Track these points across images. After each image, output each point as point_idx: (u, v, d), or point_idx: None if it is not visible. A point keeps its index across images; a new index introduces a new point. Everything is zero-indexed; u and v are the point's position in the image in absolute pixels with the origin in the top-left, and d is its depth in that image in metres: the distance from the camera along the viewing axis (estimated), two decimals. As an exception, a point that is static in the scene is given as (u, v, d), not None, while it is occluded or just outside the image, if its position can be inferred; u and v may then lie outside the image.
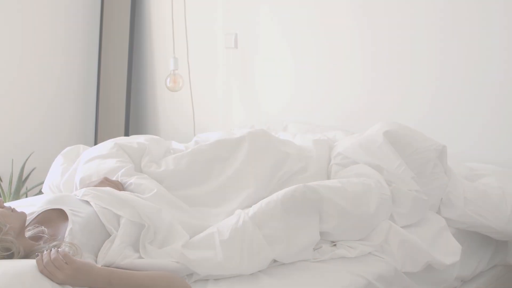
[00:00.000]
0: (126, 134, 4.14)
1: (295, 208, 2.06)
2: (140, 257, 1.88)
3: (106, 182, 2.26)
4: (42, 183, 2.99)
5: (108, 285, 1.71)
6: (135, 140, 2.58)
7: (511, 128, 2.83)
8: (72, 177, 2.49)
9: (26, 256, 1.83)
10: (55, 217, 1.96)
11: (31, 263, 1.71)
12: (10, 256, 1.79)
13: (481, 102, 2.89)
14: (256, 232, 1.97)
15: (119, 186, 2.27)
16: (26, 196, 3.80)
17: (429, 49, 3.01)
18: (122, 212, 1.93)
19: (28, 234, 1.91)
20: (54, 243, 1.82)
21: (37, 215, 1.99)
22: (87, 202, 2.00)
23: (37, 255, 1.73)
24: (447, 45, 2.95)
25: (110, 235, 1.91)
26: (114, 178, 2.32)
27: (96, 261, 1.84)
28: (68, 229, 1.87)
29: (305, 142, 2.68)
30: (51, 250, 1.70)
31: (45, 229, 1.91)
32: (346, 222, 2.14)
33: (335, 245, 2.17)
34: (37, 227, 1.93)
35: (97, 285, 1.70)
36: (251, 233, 1.97)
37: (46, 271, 1.67)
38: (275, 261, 2.03)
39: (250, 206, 2.19)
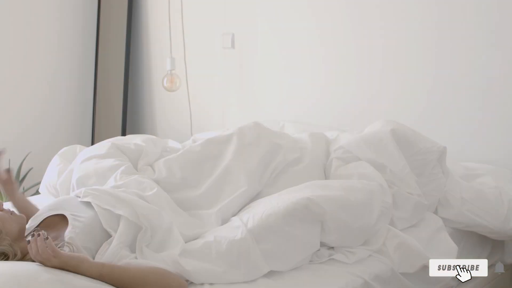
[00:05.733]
0: (123, 134, 4.14)
1: (296, 221, 2.02)
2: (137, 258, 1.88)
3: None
4: (39, 183, 2.99)
5: (99, 277, 1.74)
6: (132, 141, 2.57)
7: (507, 127, 2.83)
8: (68, 177, 2.48)
9: (23, 258, 1.86)
10: (57, 221, 1.97)
11: (28, 264, 1.73)
12: (6, 259, 1.82)
13: (477, 101, 2.89)
14: (254, 247, 1.94)
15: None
16: (23, 196, 3.79)
17: (425, 49, 3.01)
18: (122, 211, 1.93)
19: (29, 239, 1.91)
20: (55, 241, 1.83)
21: (40, 222, 2.00)
22: (88, 204, 2.00)
23: (28, 242, 1.75)
24: (443, 44, 2.95)
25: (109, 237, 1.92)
26: (113, 176, 2.31)
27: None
28: (67, 231, 1.88)
29: (301, 136, 2.67)
30: (37, 237, 1.72)
31: (45, 232, 1.91)
32: (347, 234, 2.12)
33: (332, 247, 2.16)
34: (38, 231, 1.93)
35: (87, 276, 1.73)
36: (248, 247, 1.94)
37: (36, 260, 1.72)
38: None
39: (244, 204, 2.18)
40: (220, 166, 2.37)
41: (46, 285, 1.62)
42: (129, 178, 2.27)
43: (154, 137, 2.67)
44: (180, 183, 2.34)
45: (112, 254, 1.84)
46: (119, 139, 2.62)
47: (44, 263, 1.71)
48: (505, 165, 2.80)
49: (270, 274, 1.97)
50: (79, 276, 1.71)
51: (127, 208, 1.95)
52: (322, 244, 2.12)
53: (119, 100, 4.14)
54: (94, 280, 1.73)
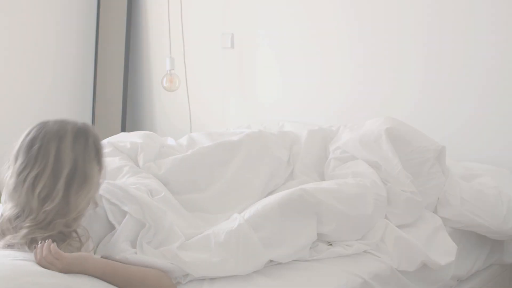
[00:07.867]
0: (123, 134, 4.14)
1: (292, 211, 2.06)
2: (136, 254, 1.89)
3: None
4: (38, 182, 2.98)
5: (102, 275, 1.77)
6: (128, 139, 2.56)
7: (507, 126, 2.83)
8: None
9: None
10: None
11: (29, 265, 1.72)
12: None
13: (476, 100, 2.89)
14: (251, 235, 1.97)
15: None
16: (22, 196, 3.79)
17: (422, 46, 3.01)
18: (128, 208, 1.93)
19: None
20: None
21: None
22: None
23: (34, 247, 1.76)
24: (440, 41, 2.95)
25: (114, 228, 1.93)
26: (120, 176, 2.31)
27: (95, 250, 1.88)
28: None
29: (299, 136, 2.70)
30: (43, 245, 1.73)
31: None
32: (345, 224, 2.14)
33: (331, 244, 2.17)
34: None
35: (92, 274, 1.76)
36: (246, 235, 1.96)
37: (41, 265, 1.73)
38: (271, 260, 2.03)
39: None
40: (229, 173, 2.40)
41: None
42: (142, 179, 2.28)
43: (150, 132, 2.66)
44: (186, 183, 2.35)
45: (114, 246, 1.86)
46: (114, 138, 2.61)
47: (49, 268, 1.72)
48: (504, 165, 2.80)
49: (269, 273, 1.97)
50: (83, 280, 1.72)
51: (134, 205, 1.95)
52: (320, 237, 2.14)
53: (118, 100, 4.14)
54: (97, 285, 1.74)
